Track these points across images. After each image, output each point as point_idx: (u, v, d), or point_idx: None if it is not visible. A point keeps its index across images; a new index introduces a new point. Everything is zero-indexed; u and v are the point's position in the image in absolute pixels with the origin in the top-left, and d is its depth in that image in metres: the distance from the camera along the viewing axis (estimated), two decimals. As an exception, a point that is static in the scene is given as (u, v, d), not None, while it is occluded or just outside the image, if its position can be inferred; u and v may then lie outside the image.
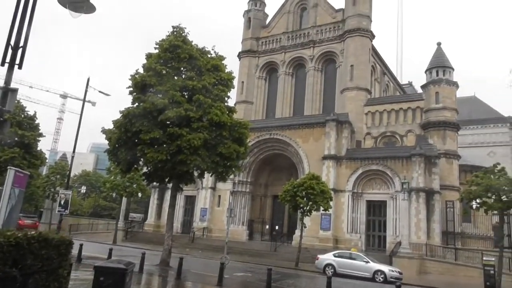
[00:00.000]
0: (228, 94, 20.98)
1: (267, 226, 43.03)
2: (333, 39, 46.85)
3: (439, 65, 40.39)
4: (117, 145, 19.99)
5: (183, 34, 20.32)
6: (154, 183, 33.13)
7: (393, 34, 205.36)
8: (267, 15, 54.46)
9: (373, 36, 45.37)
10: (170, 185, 23.60)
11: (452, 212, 35.22)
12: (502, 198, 25.18)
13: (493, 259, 22.96)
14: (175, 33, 20.32)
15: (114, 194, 44.10)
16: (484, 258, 23.20)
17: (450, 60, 41.28)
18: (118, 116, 20.00)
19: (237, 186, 42.13)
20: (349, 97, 42.80)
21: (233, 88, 21.27)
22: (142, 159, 20.34)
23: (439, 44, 42.30)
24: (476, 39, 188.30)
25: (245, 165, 40.99)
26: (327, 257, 25.82)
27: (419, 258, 30.29)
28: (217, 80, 20.16)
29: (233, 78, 21.08)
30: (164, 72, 19.35)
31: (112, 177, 40.23)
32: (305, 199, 28.32)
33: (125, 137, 19.52)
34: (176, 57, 19.62)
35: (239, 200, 42.21)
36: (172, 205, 22.65)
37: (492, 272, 21.80)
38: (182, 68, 20.18)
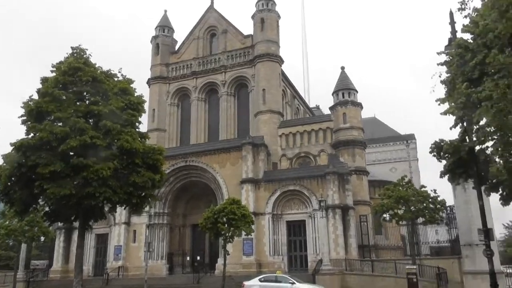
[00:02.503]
0: (139, 119, 19.60)
1: (188, 258, 41.07)
2: (244, 64, 47.41)
3: (345, 88, 42.66)
4: (9, 183, 17.46)
5: (84, 55, 18.67)
6: (59, 224, 29.80)
7: (299, 61, 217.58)
8: (176, 41, 53.66)
9: (282, 61, 46.75)
10: (77, 224, 21.20)
11: (366, 225, 36.72)
12: (411, 208, 26.90)
13: (414, 267, 24.01)
14: (75, 54, 18.57)
15: (11, 241, 38.98)
16: (407, 267, 24.22)
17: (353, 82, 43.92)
18: (9, 149, 17.51)
19: (153, 218, 39.79)
20: (263, 120, 43.29)
21: (144, 112, 19.97)
22: (41, 196, 17.96)
23: (343, 68, 44.83)
24: (372, 64, 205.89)
25: (161, 196, 39.07)
26: (253, 283, 25.33)
27: (340, 274, 30.73)
28: (126, 104, 18.70)
29: (144, 102, 19.79)
30: (63, 97, 17.48)
31: (7, 222, 35.46)
32: (226, 225, 27.44)
33: (19, 173, 17.10)
34: (78, 81, 17.86)
35: (157, 233, 39.89)
36: (80, 246, 20.32)
37: (415, 280, 22.65)
38: (85, 93, 18.40)
